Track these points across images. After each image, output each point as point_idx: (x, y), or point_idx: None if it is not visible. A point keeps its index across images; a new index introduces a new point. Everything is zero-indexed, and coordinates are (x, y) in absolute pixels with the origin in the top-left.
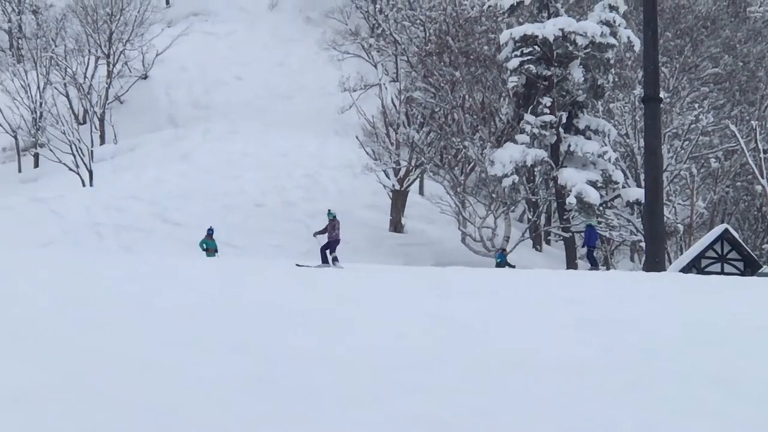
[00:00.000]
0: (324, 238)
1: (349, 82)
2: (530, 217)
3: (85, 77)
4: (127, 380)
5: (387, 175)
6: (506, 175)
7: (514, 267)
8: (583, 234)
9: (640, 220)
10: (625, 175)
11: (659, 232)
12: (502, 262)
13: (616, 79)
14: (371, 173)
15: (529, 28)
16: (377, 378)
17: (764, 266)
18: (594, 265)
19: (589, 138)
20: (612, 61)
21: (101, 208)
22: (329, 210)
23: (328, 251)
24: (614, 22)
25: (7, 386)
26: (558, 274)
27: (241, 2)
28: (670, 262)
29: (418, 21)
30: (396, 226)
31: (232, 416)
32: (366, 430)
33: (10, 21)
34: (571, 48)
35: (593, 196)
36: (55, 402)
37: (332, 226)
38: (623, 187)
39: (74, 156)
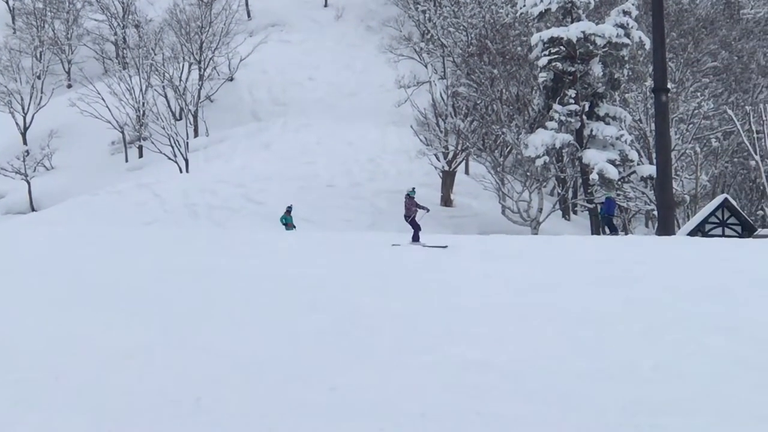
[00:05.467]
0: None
1: (404, 80)
2: (559, 191)
3: (180, 80)
4: (219, 335)
5: (437, 158)
6: (538, 156)
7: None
8: (603, 204)
9: (652, 192)
10: (639, 154)
11: (669, 202)
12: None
13: (630, 73)
14: (424, 157)
15: (555, 31)
16: (433, 330)
17: (759, 229)
18: (613, 231)
19: (608, 123)
20: (626, 58)
21: (196, 191)
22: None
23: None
24: (628, 24)
25: (119, 345)
26: (584, 240)
27: (312, 14)
28: (679, 227)
29: (461, 27)
30: (446, 201)
31: (309, 364)
32: (419, 372)
33: (116, 34)
34: (591, 47)
35: (612, 173)
36: (161, 357)
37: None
38: (638, 164)
39: (172, 147)
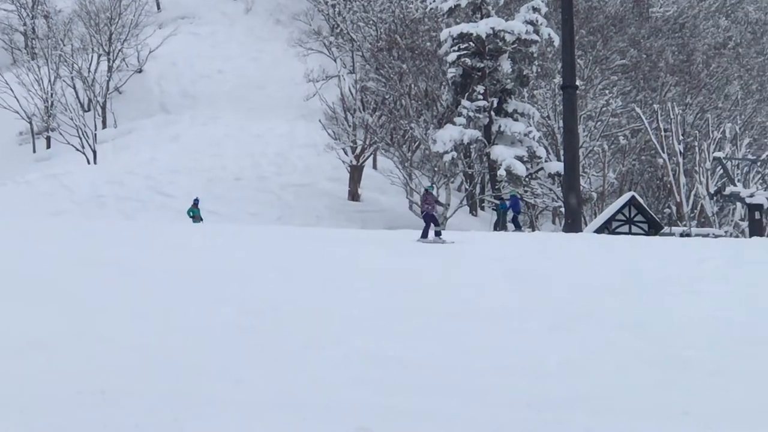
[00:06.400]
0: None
1: (313, 74)
2: (467, 187)
3: (89, 71)
4: (126, 328)
5: (345, 153)
6: (446, 152)
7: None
8: (508, 202)
9: (560, 188)
10: (547, 151)
11: (576, 198)
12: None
13: (539, 70)
14: (332, 151)
15: (465, 27)
16: (340, 324)
17: (665, 227)
18: (518, 228)
19: (516, 120)
20: (535, 55)
21: (104, 182)
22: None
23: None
24: (537, 21)
25: (24, 334)
26: (491, 236)
27: (222, 7)
28: (586, 224)
29: (371, 22)
30: (353, 195)
31: (216, 357)
32: (326, 365)
33: (25, 24)
34: (500, 44)
35: (520, 169)
36: (66, 348)
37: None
38: (546, 161)
39: (80, 138)
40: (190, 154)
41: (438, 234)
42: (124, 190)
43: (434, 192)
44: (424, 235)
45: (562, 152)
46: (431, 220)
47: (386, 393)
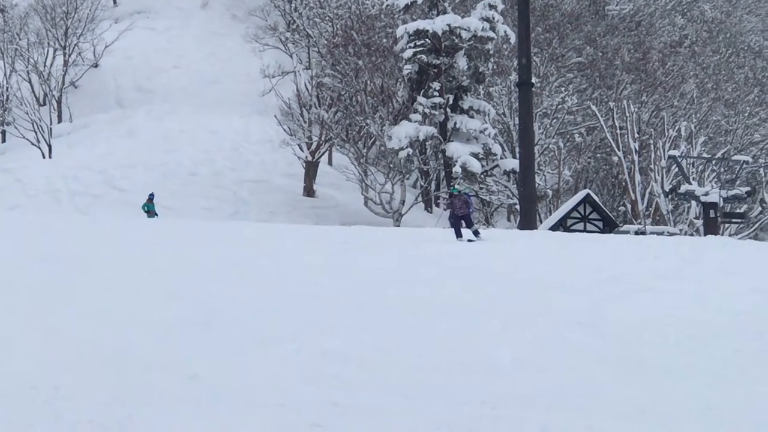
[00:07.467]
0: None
1: (268, 70)
2: (422, 183)
3: (45, 66)
4: (79, 323)
5: (301, 148)
6: (402, 149)
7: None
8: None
9: (515, 186)
10: (502, 148)
11: (531, 196)
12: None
13: (495, 67)
14: (288, 147)
15: (421, 24)
16: (295, 320)
17: (620, 225)
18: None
19: (472, 117)
20: (491, 52)
21: (59, 177)
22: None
23: (461, 225)
24: (493, 18)
25: None
26: (446, 233)
27: (178, 2)
28: (541, 222)
29: (327, 18)
30: (308, 191)
31: (170, 353)
32: (280, 362)
33: None
34: (456, 40)
35: (476, 166)
36: (19, 343)
37: (450, 202)
38: (501, 158)
39: (36, 133)
40: (146, 149)
41: (476, 234)
42: (79, 184)
43: (458, 193)
44: (458, 234)
45: (517, 149)
46: (460, 219)
47: (340, 390)
